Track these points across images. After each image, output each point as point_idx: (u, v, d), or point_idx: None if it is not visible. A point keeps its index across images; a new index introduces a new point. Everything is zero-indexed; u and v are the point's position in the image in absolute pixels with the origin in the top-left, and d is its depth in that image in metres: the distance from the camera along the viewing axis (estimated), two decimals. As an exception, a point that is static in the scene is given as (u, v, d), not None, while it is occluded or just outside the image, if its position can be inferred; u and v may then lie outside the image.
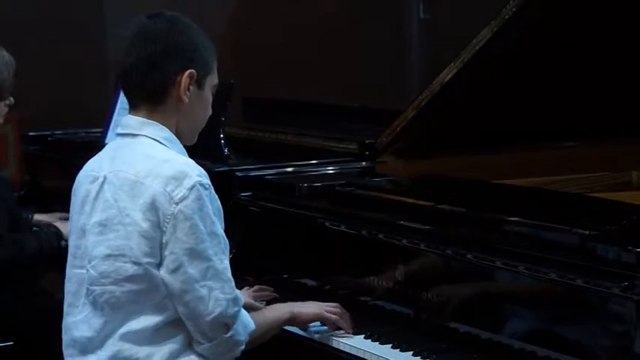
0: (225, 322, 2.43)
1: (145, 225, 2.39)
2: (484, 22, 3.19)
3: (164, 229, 2.38)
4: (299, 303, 2.76)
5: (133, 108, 2.52)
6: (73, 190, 2.57)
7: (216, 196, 2.46)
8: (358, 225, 2.88)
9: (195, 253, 2.38)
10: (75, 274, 2.52)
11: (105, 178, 2.47)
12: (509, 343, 2.48)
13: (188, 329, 2.44)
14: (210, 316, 2.40)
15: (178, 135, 2.53)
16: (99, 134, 4.48)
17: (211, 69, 2.54)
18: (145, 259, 2.39)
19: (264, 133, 4.04)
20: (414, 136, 3.34)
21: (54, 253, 3.73)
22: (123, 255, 2.41)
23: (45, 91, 5.35)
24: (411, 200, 2.92)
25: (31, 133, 4.73)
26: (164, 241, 2.39)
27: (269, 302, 2.94)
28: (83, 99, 5.28)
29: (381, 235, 2.82)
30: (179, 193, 2.38)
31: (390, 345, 2.63)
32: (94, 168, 2.53)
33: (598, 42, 3.28)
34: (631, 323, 2.22)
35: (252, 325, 2.51)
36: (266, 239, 3.19)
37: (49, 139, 4.67)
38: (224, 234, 2.45)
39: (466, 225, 2.67)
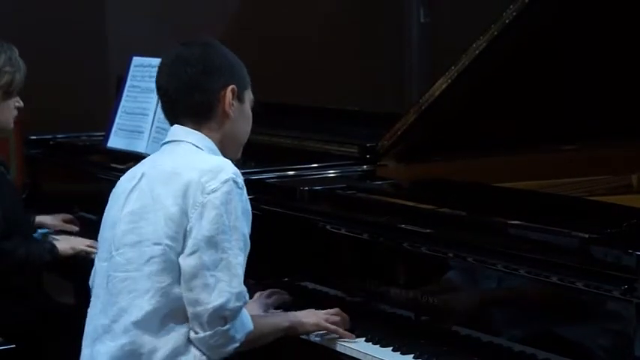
0: (224, 315, 2.46)
1: (173, 209, 2.46)
2: (484, 27, 3.20)
3: (190, 215, 2.45)
4: (299, 313, 2.78)
5: (179, 123, 2.62)
6: (113, 192, 2.65)
7: (248, 199, 2.53)
8: (359, 228, 2.89)
9: (213, 242, 2.45)
10: (100, 267, 2.59)
11: (143, 174, 2.57)
12: (510, 345, 2.48)
13: (187, 325, 2.48)
14: (211, 305, 2.44)
15: (223, 149, 2.63)
16: (100, 138, 4.50)
17: (248, 84, 2.67)
18: (166, 241, 2.46)
19: (264, 136, 4.04)
20: (415, 139, 3.35)
21: (40, 266, 3.75)
22: (148, 239, 2.48)
23: (46, 95, 5.34)
24: (411, 203, 2.92)
25: (33, 137, 4.74)
26: (189, 228, 2.45)
27: (284, 306, 2.95)
28: (85, 102, 5.28)
29: (381, 239, 2.82)
30: (212, 184, 2.46)
31: (391, 348, 2.63)
32: (134, 170, 2.63)
33: (598, 45, 3.29)
34: (631, 326, 2.23)
35: (250, 326, 2.54)
36: (267, 242, 3.18)
37: (51, 142, 4.68)
38: (247, 234, 2.51)
39: (467, 228, 2.68)
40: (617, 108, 3.41)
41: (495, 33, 3.17)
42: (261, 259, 3.14)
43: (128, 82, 4.27)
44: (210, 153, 2.58)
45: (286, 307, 2.95)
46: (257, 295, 2.96)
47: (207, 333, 2.47)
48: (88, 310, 2.61)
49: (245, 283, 2.75)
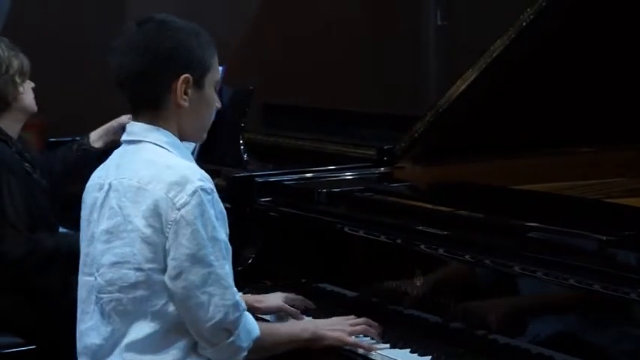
0: (227, 328, 2.43)
1: (148, 231, 2.40)
2: (502, 29, 3.19)
3: (167, 234, 2.39)
4: (322, 322, 2.72)
5: (135, 114, 2.54)
6: (82, 199, 2.59)
7: (219, 200, 2.46)
8: (377, 230, 2.88)
9: (197, 259, 2.38)
10: (85, 282, 2.54)
11: (110, 185, 2.49)
12: (527, 347, 2.47)
13: (189, 338, 2.44)
14: (210, 322, 2.40)
15: (184, 135, 2.54)
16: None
17: (210, 66, 2.51)
18: (148, 265, 2.41)
19: (283, 138, 4.05)
20: (432, 141, 3.35)
21: (72, 258, 3.73)
22: (127, 262, 2.42)
23: (67, 98, 5.36)
24: (429, 206, 2.92)
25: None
26: (167, 247, 2.39)
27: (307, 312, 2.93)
28: (106, 105, 5.29)
29: (399, 241, 2.81)
30: (181, 199, 2.38)
31: (409, 350, 2.62)
32: (100, 176, 2.55)
33: (616, 46, 3.27)
34: (649, 328, 2.22)
35: (256, 332, 2.49)
36: (285, 244, 3.19)
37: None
38: (226, 239, 2.45)
39: (484, 230, 2.67)
40: (635, 110, 3.39)
41: (513, 35, 3.17)
42: (279, 260, 3.15)
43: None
44: (173, 149, 2.48)
45: (308, 313, 2.93)
46: (278, 293, 2.92)
47: (214, 348, 2.43)
48: (78, 324, 2.56)
49: (262, 284, 2.76)
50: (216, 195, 2.44)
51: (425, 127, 3.34)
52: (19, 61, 3.78)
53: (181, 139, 2.54)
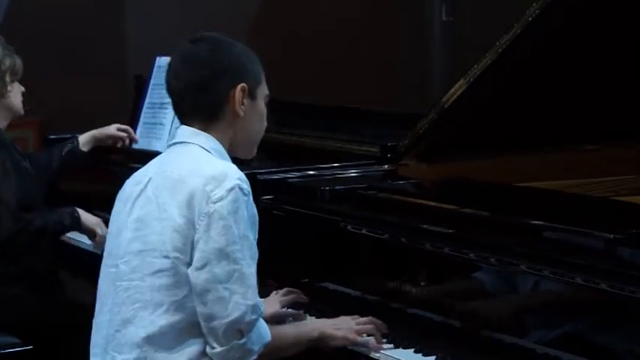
0: (240, 329, 2.42)
1: (180, 221, 2.42)
2: (507, 25, 3.20)
3: (197, 226, 2.41)
4: (328, 322, 2.74)
5: (188, 124, 2.57)
6: (117, 196, 2.61)
7: (254, 205, 2.49)
8: (380, 229, 2.89)
9: (224, 254, 2.40)
10: (107, 273, 2.56)
11: (150, 179, 2.53)
12: (533, 347, 2.47)
13: (204, 340, 2.44)
14: (227, 320, 2.41)
15: (235, 148, 2.59)
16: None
17: (261, 80, 2.61)
18: (175, 254, 2.43)
19: (286, 136, 4.05)
20: (437, 138, 3.35)
21: (62, 230, 3.76)
22: (154, 249, 2.45)
23: (65, 94, 5.38)
24: (433, 203, 2.92)
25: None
26: (196, 239, 2.41)
27: (303, 307, 2.94)
28: (104, 102, 5.30)
29: (403, 239, 2.82)
30: (217, 193, 2.41)
31: (413, 349, 2.63)
32: (141, 173, 2.59)
33: (623, 43, 3.28)
34: (656, 328, 2.22)
35: (267, 337, 2.50)
36: (288, 243, 3.19)
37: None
38: (255, 243, 2.47)
39: (489, 228, 2.67)
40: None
41: (518, 31, 3.17)
42: (282, 259, 3.15)
43: (152, 81, 4.29)
44: (217, 155, 2.53)
45: (303, 307, 2.95)
46: (272, 293, 2.95)
47: (224, 347, 2.43)
48: (95, 317, 2.57)
49: (264, 283, 2.76)
50: (251, 199, 2.47)
51: (429, 124, 3.34)
52: (11, 60, 3.82)
53: (232, 152, 2.59)
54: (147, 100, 4.28)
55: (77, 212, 3.82)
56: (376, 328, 2.70)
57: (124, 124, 4.40)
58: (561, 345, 2.42)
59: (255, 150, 2.68)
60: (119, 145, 4.27)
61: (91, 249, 4.06)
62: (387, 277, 2.88)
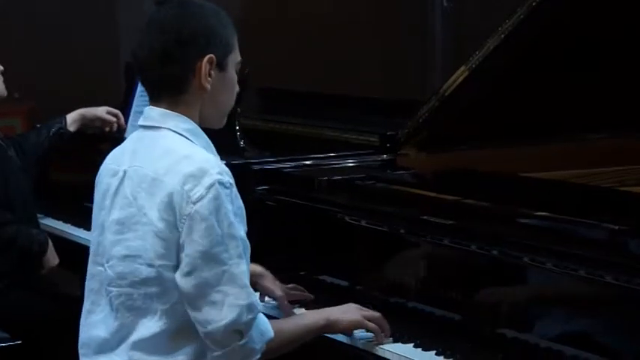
0: (239, 330, 2.39)
1: (161, 225, 2.38)
2: (510, 10, 3.19)
3: (180, 229, 2.36)
4: (337, 308, 2.70)
5: (154, 99, 2.51)
6: (95, 181, 2.58)
7: (238, 195, 2.43)
8: (379, 220, 2.88)
9: (210, 256, 2.36)
10: (97, 272, 2.53)
11: (125, 172, 2.47)
12: (535, 341, 2.47)
13: (200, 337, 2.42)
14: (223, 323, 2.37)
15: (205, 120, 2.52)
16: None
17: (232, 47, 2.51)
18: (159, 262, 2.39)
19: (281, 125, 4.05)
20: (437, 127, 3.34)
21: (25, 252, 3.79)
22: (139, 256, 2.41)
23: (54, 83, 5.37)
24: (433, 194, 2.92)
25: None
26: (181, 242, 2.37)
27: (305, 305, 2.93)
28: (94, 89, 5.30)
29: (402, 231, 2.82)
30: (197, 192, 2.35)
31: (412, 344, 2.63)
32: (115, 161, 2.54)
33: (631, 29, 3.27)
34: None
35: (269, 334, 2.46)
36: (283, 234, 3.19)
37: (60, 131, 4.68)
38: (244, 236, 2.43)
39: (491, 220, 2.67)
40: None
41: (521, 17, 3.16)
42: (278, 251, 3.15)
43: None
44: (191, 137, 2.46)
45: (307, 306, 2.94)
46: (278, 284, 2.91)
47: (225, 350, 2.40)
48: (84, 313, 2.55)
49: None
50: (235, 190, 2.41)
51: (429, 112, 3.33)
52: None
53: (201, 125, 2.52)
54: (138, 87, 4.27)
55: (46, 245, 3.82)
56: (383, 323, 2.67)
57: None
58: (563, 339, 2.42)
59: (225, 120, 2.58)
60: (107, 129, 4.26)
61: (77, 240, 4.07)
62: (385, 270, 2.88)
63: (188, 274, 2.37)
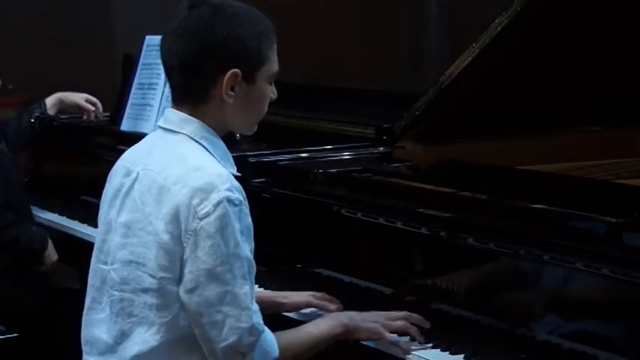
0: (241, 351, 2.37)
1: (166, 237, 2.35)
2: (507, 2, 3.19)
3: (185, 244, 2.34)
4: (360, 314, 2.62)
5: (176, 103, 2.47)
6: (108, 176, 2.56)
7: (248, 213, 2.39)
8: (376, 213, 2.88)
9: (214, 275, 2.33)
10: (100, 269, 2.51)
11: (137, 175, 2.44)
12: (533, 335, 2.48)
13: (198, 355, 2.40)
14: (223, 344, 2.35)
15: (233, 128, 2.51)
16: (106, 118, 4.52)
17: (264, 59, 2.45)
18: (161, 274, 2.36)
19: (277, 117, 4.04)
20: (434, 119, 3.35)
21: (27, 254, 3.82)
22: (143, 264, 2.39)
23: (50, 75, 5.37)
24: (430, 187, 2.92)
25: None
26: (185, 257, 2.35)
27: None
28: (89, 82, 5.30)
29: (399, 223, 2.82)
30: (204, 208, 2.32)
31: (408, 337, 2.63)
32: (130, 159, 2.52)
33: (631, 20, 3.27)
34: (659, 314, 2.23)
35: (274, 353, 2.42)
36: (279, 227, 3.19)
37: (54, 123, 4.69)
38: (250, 256, 2.39)
39: (488, 212, 2.68)
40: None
41: (519, 8, 3.16)
42: (274, 245, 3.15)
43: (141, 61, 4.28)
44: (208, 145, 2.42)
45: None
46: (307, 293, 2.84)
47: None
48: (85, 309, 2.54)
49: (256, 270, 2.75)
50: (244, 207, 2.38)
51: (426, 104, 3.34)
52: None
53: (228, 130, 2.50)
54: (136, 80, 4.27)
55: (46, 242, 3.90)
56: (411, 327, 2.60)
57: (111, 105, 4.40)
58: (562, 332, 2.42)
59: (256, 127, 2.54)
60: (84, 117, 4.29)
61: (73, 233, 4.08)
62: (382, 263, 2.88)
63: (192, 291, 2.35)
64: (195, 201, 2.33)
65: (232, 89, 2.41)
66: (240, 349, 2.36)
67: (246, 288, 2.36)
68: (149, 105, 4.16)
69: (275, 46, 2.49)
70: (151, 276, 2.37)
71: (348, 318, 2.61)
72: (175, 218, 2.34)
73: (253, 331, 2.37)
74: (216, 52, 2.38)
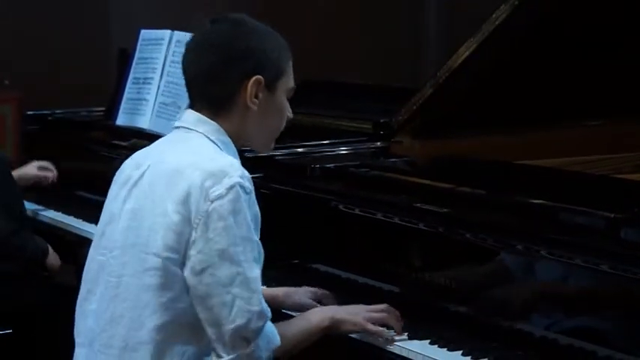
0: (246, 336, 2.37)
1: (176, 218, 2.36)
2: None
3: (194, 225, 2.35)
4: (344, 308, 2.68)
5: (195, 108, 2.51)
6: (115, 177, 2.57)
7: (256, 203, 2.43)
8: (373, 208, 2.89)
9: (227, 256, 2.34)
10: (97, 261, 2.51)
11: (149, 166, 2.47)
12: (530, 330, 2.48)
13: (196, 342, 2.40)
14: (232, 325, 2.35)
15: (249, 141, 2.54)
16: (101, 113, 4.51)
17: (283, 72, 2.52)
18: (166, 254, 2.37)
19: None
20: (432, 114, 3.35)
21: (32, 263, 3.83)
22: (146, 245, 2.39)
23: (45, 70, 5.36)
24: (428, 182, 2.93)
25: (30, 112, 4.75)
26: (192, 239, 2.35)
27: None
28: (85, 77, 5.29)
29: (396, 219, 2.82)
30: (216, 190, 2.34)
31: (407, 334, 2.63)
32: (140, 156, 2.54)
33: (628, 14, 3.27)
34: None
35: (276, 341, 2.45)
36: (276, 222, 3.18)
37: (49, 118, 4.70)
38: (260, 243, 2.42)
39: (486, 208, 2.68)
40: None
41: (517, 2, 3.16)
42: (270, 240, 3.14)
43: (137, 55, 4.27)
44: (222, 147, 2.47)
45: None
46: (303, 288, 2.87)
47: (231, 357, 2.38)
48: (79, 302, 2.54)
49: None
50: (254, 197, 2.41)
51: (424, 99, 3.34)
52: None
53: (244, 143, 2.54)
54: (131, 75, 4.27)
55: (47, 253, 3.93)
56: (390, 318, 2.65)
57: (106, 99, 4.40)
58: (562, 329, 2.42)
59: (273, 145, 2.61)
60: (44, 184, 4.29)
61: (69, 229, 4.08)
62: (379, 259, 2.88)
63: (201, 272, 2.35)
64: (208, 183, 2.36)
65: (256, 96, 2.47)
66: (248, 333, 2.37)
67: (257, 272, 2.39)
68: (144, 99, 4.15)
69: (291, 63, 2.56)
70: (155, 255, 2.38)
71: (333, 311, 2.65)
72: (186, 200, 2.36)
73: (262, 315, 2.39)
74: (241, 60, 2.46)
